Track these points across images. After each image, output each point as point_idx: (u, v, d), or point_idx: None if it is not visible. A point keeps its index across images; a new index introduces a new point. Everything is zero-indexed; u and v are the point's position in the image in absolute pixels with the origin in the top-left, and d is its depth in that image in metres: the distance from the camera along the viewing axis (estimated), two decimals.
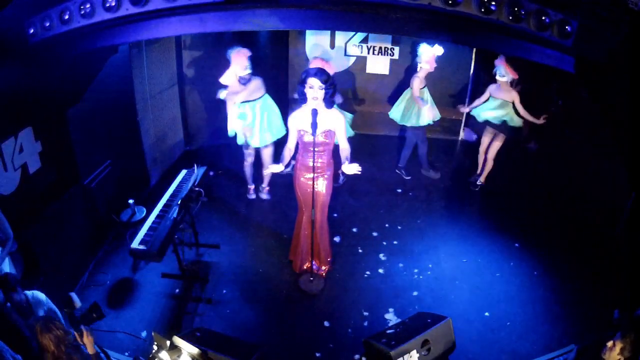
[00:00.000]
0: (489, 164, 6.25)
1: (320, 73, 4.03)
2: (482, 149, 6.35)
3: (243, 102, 5.35)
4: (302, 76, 4.10)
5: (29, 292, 3.28)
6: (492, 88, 5.96)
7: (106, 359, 3.21)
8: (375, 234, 5.52)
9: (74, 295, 3.01)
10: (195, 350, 2.99)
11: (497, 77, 5.78)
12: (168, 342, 2.92)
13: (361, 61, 7.57)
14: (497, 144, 6.09)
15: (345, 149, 4.25)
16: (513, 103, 5.78)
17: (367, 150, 7.28)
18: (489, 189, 6.30)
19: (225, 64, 5.96)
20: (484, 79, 7.49)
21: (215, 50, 6.98)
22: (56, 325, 2.68)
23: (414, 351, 3.56)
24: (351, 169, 3.99)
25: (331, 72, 5.02)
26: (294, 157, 4.43)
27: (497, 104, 5.86)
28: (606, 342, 2.81)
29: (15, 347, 2.95)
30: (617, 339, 2.81)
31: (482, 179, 6.37)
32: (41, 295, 3.33)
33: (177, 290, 4.62)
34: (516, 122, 5.87)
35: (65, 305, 2.98)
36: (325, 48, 7.47)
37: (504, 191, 6.22)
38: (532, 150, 6.83)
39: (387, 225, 5.68)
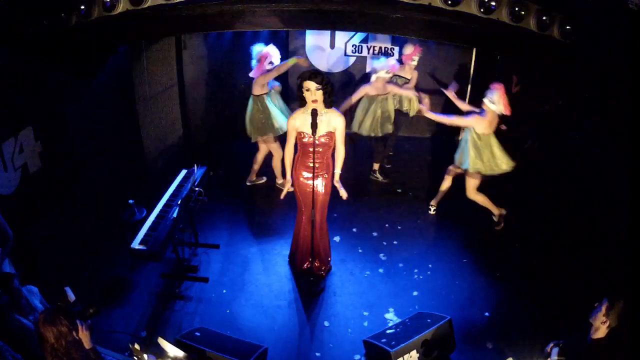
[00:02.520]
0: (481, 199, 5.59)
1: (315, 75, 4.01)
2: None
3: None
4: (298, 81, 4.09)
5: (23, 287, 3.30)
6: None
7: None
8: (375, 234, 5.52)
9: (68, 289, 3.01)
10: (180, 354, 3.00)
11: (486, 102, 5.00)
12: (146, 356, 2.94)
13: (361, 61, 7.56)
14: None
15: (340, 155, 4.29)
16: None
17: (367, 150, 7.27)
18: (489, 189, 6.29)
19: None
20: (484, 79, 7.51)
21: (215, 50, 7.00)
22: (62, 321, 2.69)
23: (414, 351, 3.57)
24: (341, 191, 4.34)
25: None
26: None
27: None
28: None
29: (15, 346, 2.95)
30: (604, 303, 2.86)
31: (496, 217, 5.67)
32: (34, 287, 3.35)
33: (177, 290, 4.61)
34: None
35: (59, 299, 2.98)
36: (325, 48, 7.47)
37: (503, 191, 6.21)
38: (530, 151, 6.81)
39: (387, 225, 5.68)
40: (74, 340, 2.73)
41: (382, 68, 5.80)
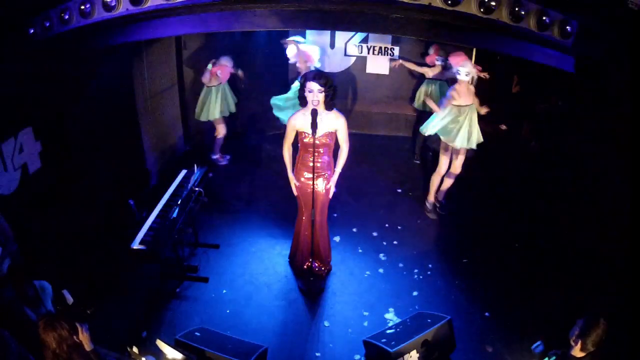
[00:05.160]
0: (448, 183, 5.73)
1: (319, 77, 4.03)
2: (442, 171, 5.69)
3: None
4: (301, 80, 4.10)
5: (36, 281, 3.29)
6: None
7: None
8: (375, 234, 5.52)
9: (66, 292, 3.02)
10: (179, 356, 3.00)
11: (459, 78, 5.15)
12: (144, 359, 2.94)
13: (361, 61, 7.56)
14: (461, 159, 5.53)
15: (343, 156, 4.31)
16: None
17: (367, 150, 7.27)
18: (489, 189, 6.29)
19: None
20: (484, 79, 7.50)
21: (215, 50, 6.99)
22: (62, 324, 2.68)
23: (414, 351, 3.57)
24: (332, 187, 4.41)
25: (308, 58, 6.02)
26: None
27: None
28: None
29: (23, 341, 2.95)
30: (579, 324, 2.86)
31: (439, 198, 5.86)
32: (49, 286, 3.34)
33: (177, 290, 4.61)
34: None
35: (57, 302, 2.98)
36: (325, 48, 7.47)
37: (503, 191, 6.22)
38: (533, 151, 6.82)
39: (387, 225, 5.68)
40: (75, 344, 2.74)
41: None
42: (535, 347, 3.32)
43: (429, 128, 5.47)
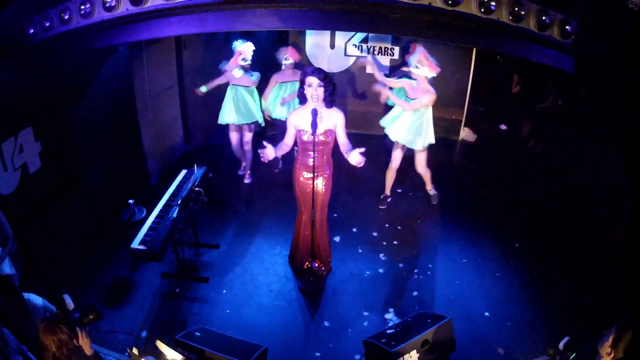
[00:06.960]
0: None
1: (318, 71, 4.03)
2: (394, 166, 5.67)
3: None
4: (300, 77, 4.09)
5: (25, 295, 3.27)
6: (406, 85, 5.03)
7: None
8: (375, 234, 5.52)
9: (67, 297, 3.01)
10: (178, 357, 3.00)
11: (411, 69, 4.90)
12: (144, 359, 2.94)
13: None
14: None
15: (345, 143, 4.24)
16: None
17: (367, 150, 7.24)
18: (489, 189, 6.29)
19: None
20: (484, 79, 7.51)
21: (215, 50, 7.00)
22: (61, 329, 2.68)
23: (414, 351, 3.57)
24: (355, 157, 4.06)
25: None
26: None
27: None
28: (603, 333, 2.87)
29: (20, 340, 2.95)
30: (612, 332, 2.83)
31: (428, 188, 5.97)
32: (37, 301, 3.30)
33: (177, 290, 4.61)
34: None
35: (58, 307, 2.98)
36: (325, 48, 7.47)
37: (503, 191, 6.22)
38: (535, 151, 6.83)
39: (387, 225, 5.68)
40: (75, 348, 2.74)
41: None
42: None
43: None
